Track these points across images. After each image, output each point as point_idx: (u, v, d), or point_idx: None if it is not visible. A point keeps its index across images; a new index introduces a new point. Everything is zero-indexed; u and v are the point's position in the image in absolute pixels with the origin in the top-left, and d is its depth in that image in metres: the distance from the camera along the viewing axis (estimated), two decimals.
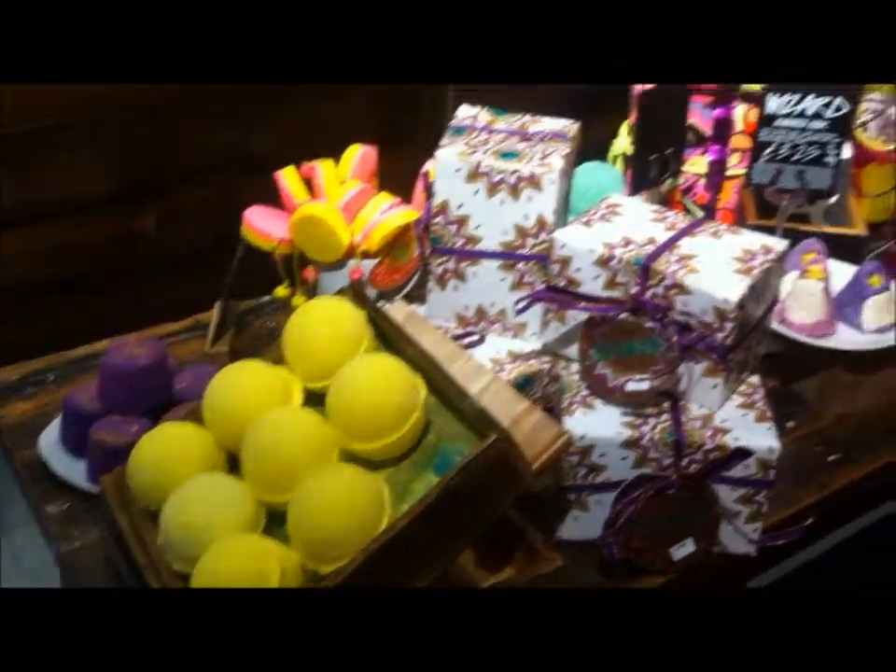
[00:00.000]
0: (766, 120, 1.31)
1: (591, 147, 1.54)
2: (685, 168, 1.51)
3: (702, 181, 1.52)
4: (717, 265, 1.07)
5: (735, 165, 1.50)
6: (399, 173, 1.39)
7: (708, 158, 1.51)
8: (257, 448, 0.95)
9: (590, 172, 1.37)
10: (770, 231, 1.34)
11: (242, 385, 1.01)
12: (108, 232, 1.53)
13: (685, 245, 1.11)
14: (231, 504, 0.94)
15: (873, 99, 1.60)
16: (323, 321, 1.02)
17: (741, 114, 1.48)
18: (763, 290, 1.08)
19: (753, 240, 1.13)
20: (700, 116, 1.50)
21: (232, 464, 0.99)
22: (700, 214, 1.53)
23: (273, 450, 0.94)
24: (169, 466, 0.99)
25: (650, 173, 1.36)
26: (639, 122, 1.36)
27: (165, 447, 1.00)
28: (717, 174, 1.52)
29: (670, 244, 1.10)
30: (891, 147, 1.60)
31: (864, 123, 1.61)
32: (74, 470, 1.14)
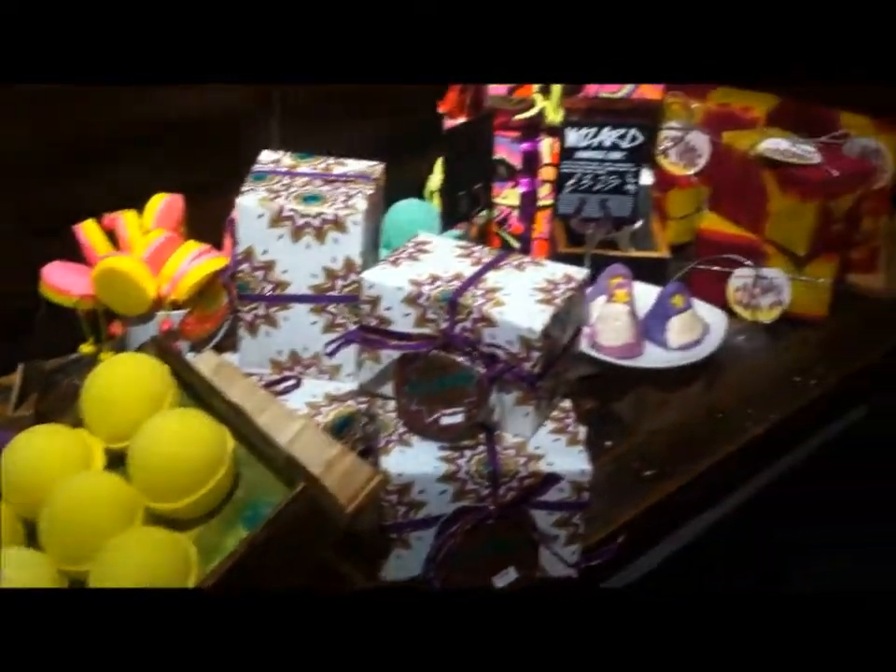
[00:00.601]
0: (567, 153, 1.35)
1: (412, 185, 1.57)
2: (499, 201, 1.54)
3: (515, 213, 1.56)
4: (521, 297, 1.09)
5: (546, 196, 1.54)
6: (212, 219, 1.37)
7: (520, 190, 1.55)
8: (54, 516, 0.90)
9: (405, 209, 1.38)
10: (580, 258, 1.38)
11: (37, 452, 0.96)
12: None
13: (490, 278, 1.12)
14: (31, 578, 0.89)
15: (672, 127, 1.68)
16: (122, 378, 0.99)
17: (548, 147, 1.52)
18: (566, 318, 1.10)
19: (555, 270, 1.15)
20: (509, 150, 1.53)
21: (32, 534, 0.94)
22: (516, 245, 1.56)
23: (71, 517, 0.90)
24: None
25: (460, 208, 1.38)
26: (448, 159, 1.38)
27: None
28: (529, 205, 1.55)
29: (476, 278, 1.12)
30: (691, 171, 1.68)
31: (665, 150, 1.69)
32: None
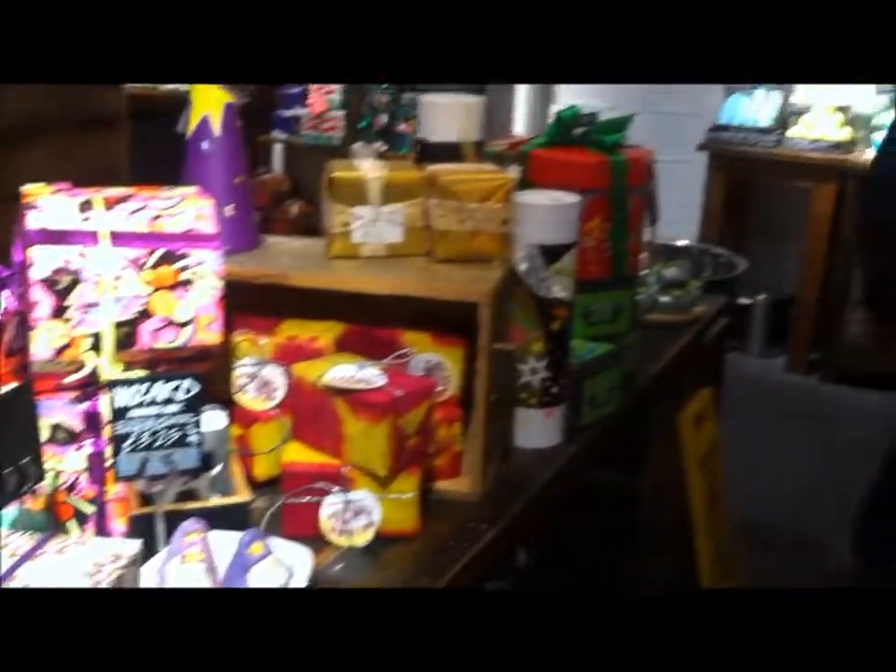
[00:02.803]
0: (119, 413, 1.30)
1: None
2: (61, 467, 1.44)
3: (83, 476, 1.46)
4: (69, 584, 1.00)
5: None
6: None
7: (85, 452, 1.46)
8: None
9: None
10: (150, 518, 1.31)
11: None
12: None
13: (25, 572, 1.02)
14: None
15: (246, 364, 1.69)
16: None
17: (107, 404, 1.46)
18: None
19: (101, 549, 1.08)
20: (67, 412, 1.45)
21: None
22: (91, 509, 1.46)
23: None
24: None
25: (8, 487, 1.27)
26: None
27: None
28: (98, 466, 1.47)
29: (7, 576, 1.01)
30: (270, 405, 1.69)
31: (242, 387, 1.69)
32: None
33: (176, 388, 1.33)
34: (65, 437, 1.45)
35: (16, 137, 1.52)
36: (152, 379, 1.32)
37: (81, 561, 1.04)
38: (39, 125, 1.56)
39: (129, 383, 1.31)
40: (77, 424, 1.45)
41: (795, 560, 3.46)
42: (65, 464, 1.45)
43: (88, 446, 1.46)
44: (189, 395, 1.33)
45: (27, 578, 0.99)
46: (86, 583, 0.99)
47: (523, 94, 5.66)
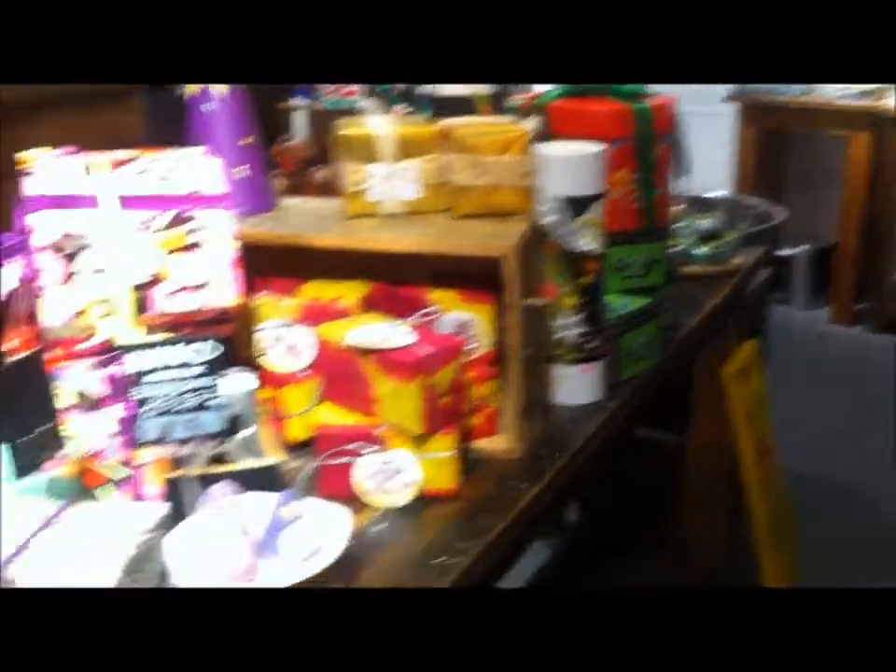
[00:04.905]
0: (138, 378, 1.26)
1: None
2: (88, 433, 1.41)
3: (111, 441, 1.43)
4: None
5: None
6: None
7: (115, 416, 1.43)
8: None
9: None
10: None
11: None
12: None
13: (47, 538, 0.99)
14: None
15: (271, 326, 1.64)
16: None
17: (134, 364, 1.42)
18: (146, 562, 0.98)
19: (131, 513, 1.04)
20: (88, 378, 1.41)
21: None
22: (124, 473, 1.43)
23: None
24: None
25: (30, 456, 1.24)
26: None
27: None
28: (128, 431, 1.43)
29: (27, 543, 0.97)
30: (298, 367, 1.65)
31: (268, 350, 1.64)
32: None
33: (197, 351, 1.28)
34: (89, 403, 1.41)
35: (25, 111, 1.48)
36: (172, 342, 1.28)
37: (110, 527, 1.00)
38: (48, 98, 1.52)
39: (148, 346, 1.27)
40: (100, 389, 1.42)
41: (841, 512, 3.38)
42: (92, 430, 1.41)
43: (117, 411, 1.43)
44: (211, 357, 1.28)
45: (57, 543, 0.96)
46: (114, 549, 0.95)
47: None
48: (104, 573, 0.89)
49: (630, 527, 2.56)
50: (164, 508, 1.03)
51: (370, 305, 1.68)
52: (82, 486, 1.39)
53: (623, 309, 1.97)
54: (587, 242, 1.79)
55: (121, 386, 1.43)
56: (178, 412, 1.28)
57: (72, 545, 0.94)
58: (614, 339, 1.91)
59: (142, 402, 1.27)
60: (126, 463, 1.44)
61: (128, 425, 1.44)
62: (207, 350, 1.28)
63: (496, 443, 1.72)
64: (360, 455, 1.52)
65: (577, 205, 1.77)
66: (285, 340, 1.64)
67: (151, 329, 1.42)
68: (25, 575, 0.89)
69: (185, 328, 1.43)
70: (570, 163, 1.77)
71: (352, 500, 1.50)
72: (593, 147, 1.80)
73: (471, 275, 1.66)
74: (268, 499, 1.34)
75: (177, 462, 1.39)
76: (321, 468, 1.51)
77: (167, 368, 1.26)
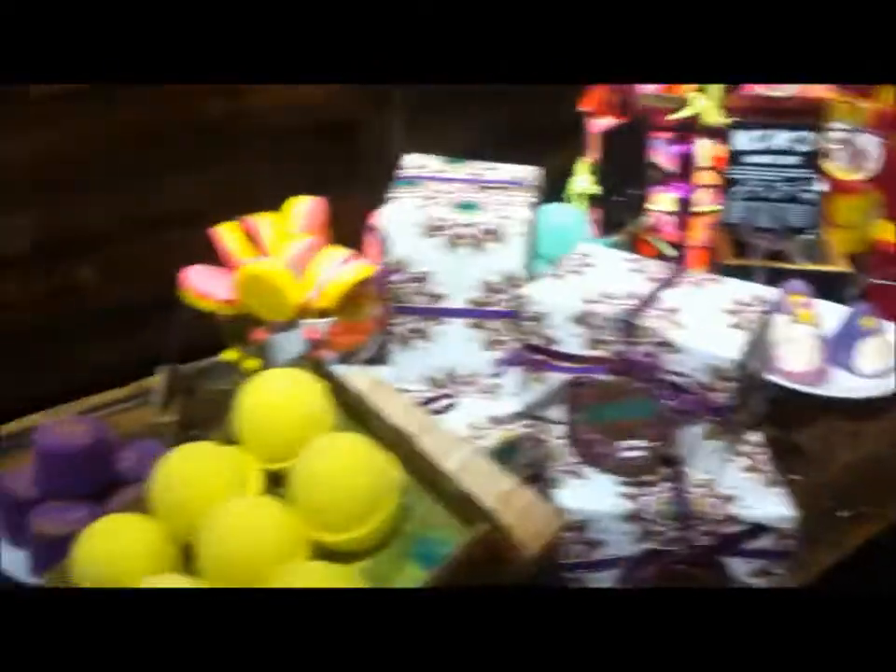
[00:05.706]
0: (735, 157, 1.25)
1: (548, 186, 1.48)
2: (650, 206, 1.45)
3: (668, 219, 1.46)
4: (706, 320, 1.00)
5: (703, 202, 1.44)
6: (342, 221, 1.30)
7: (673, 195, 1.45)
8: (213, 546, 0.85)
9: (555, 214, 1.30)
10: (746, 271, 1.27)
11: (191, 472, 0.91)
12: (34, 291, 1.40)
13: (668, 297, 1.04)
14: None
15: (838, 128, 1.55)
16: (281, 395, 0.93)
17: (704, 150, 1.42)
18: (758, 344, 1.01)
19: (741, 289, 1.06)
20: (662, 152, 1.44)
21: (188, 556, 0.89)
22: (672, 253, 1.46)
23: (234, 546, 0.84)
24: (114, 567, 0.88)
25: (617, 215, 1.29)
26: (602, 164, 1.29)
27: (109, 545, 0.89)
28: (684, 211, 1.46)
29: (652, 297, 1.03)
30: (860, 176, 1.56)
31: (831, 154, 1.57)
32: (13, 562, 1.03)
33: (797, 139, 1.24)
34: (658, 176, 1.44)
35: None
36: (774, 125, 1.24)
37: (720, 297, 1.03)
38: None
39: (749, 126, 1.25)
40: (670, 165, 1.44)
41: None
42: (654, 204, 1.45)
43: (678, 190, 1.45)
44: (809, 147, 1.24)
45: (671, 302, 1.00)
46: (727, 321, 0.97)
47: None
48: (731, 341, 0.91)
49: None
50: (774, 292, 1.03)
51: None
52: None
53: None
54: None
55: (688, 165, 1.44)
56: (767, 198, 1.26)
57: (685, 306, 0.98)
58: None
59: (733, 182, 1.26)
60: (677, 244, 1.47)
61: (685, 205, 1.46)
62: (808, 140, 1.23)
63: None
64: None
65: None
66: (852, 145, 1.55)
67: (732, 112, 1.40)
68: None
69: (763, 114, 1.39)
70: None
71: None
72: None
73: None
74: (839, 308, 1.30)
75: (739, 250, 1.39)
76: (873, 286, 1.44)
77: (768, 152, 1.24)
